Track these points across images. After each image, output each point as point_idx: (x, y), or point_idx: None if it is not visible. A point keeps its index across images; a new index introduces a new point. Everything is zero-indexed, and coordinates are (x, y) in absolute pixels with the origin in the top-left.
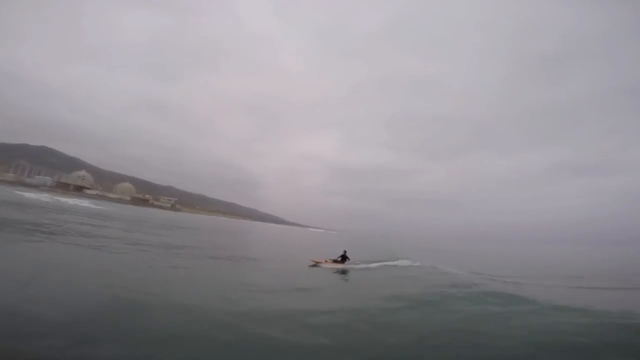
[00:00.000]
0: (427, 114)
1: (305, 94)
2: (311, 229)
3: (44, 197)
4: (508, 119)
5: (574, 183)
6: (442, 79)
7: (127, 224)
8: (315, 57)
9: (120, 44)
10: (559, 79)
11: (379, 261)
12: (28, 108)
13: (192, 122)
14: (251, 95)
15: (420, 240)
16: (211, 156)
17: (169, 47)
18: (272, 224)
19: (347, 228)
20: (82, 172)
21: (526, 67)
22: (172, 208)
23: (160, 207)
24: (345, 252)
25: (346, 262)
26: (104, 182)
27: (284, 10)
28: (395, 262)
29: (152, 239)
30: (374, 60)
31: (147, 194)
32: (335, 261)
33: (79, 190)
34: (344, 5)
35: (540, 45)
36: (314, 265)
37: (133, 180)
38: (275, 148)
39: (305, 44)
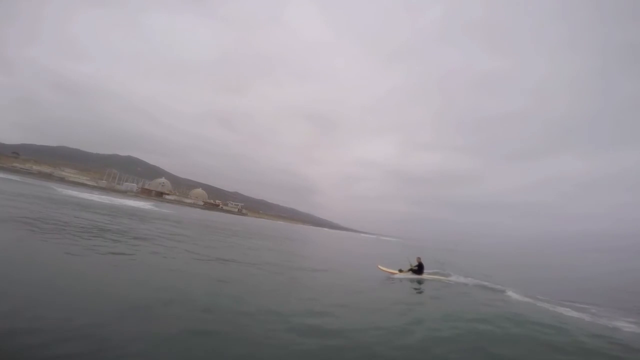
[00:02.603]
0: (497, 113)
1: (360, 98)
2: (363, 235)
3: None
4: (594, 116)
5: None
6: (516, 75)
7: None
8: (368, 60)
9: (190, 60)
10: None
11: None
12: (117, 121)
13: (255, 131)
14: (308, 103)
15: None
16: (272, 163)
17: (233, 62)
18: (329, 230)
19: (404, 235)
20: (162, 179)
21: (615, 59)
22: (239, 212)
23: (229, 211)
24: (419, 259)
25: (423, 273)
26: (180, 188)
27: (333, 17)
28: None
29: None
30: (433, 59)
31: (216, 199)
32: (412, 270)
33: (159, 195)
34: (396, 6)
35: (634, 34)
36: (389, 277)
37: (204, 187)
38: (332, 154)
39: (359, 48)
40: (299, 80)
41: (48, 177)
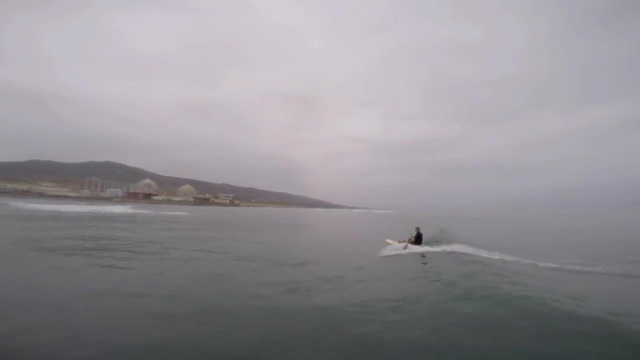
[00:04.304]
0: (473, 79)
1: (338, 74)
2: (355, 210)
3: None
4: (566, 77)
5: None
6: (487, 43)
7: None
8: (343, 35)
9: (156, 53)
10: (617, 33)
11: None
12: (88, 127)
13: (234, 119)
14: (286, 85)
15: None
16: (257, 150)
17: (202, 51)
18: (321, 209)
19: (396, 205)
20: (147, 180)
21: (578, 23)
22: (231, 204)
23: (221, 204)
24: (418, 229)
25: (423, 242)
26: (166, 186)
27: None
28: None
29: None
30: (409, 30)
31: (205, 193)
32: (412, 241)
33: (147, 197)
34: None
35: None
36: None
37: (190, 182)
38: (315, 133)
39: (331, 23)
40: (273, 63)
41: (26, 194)
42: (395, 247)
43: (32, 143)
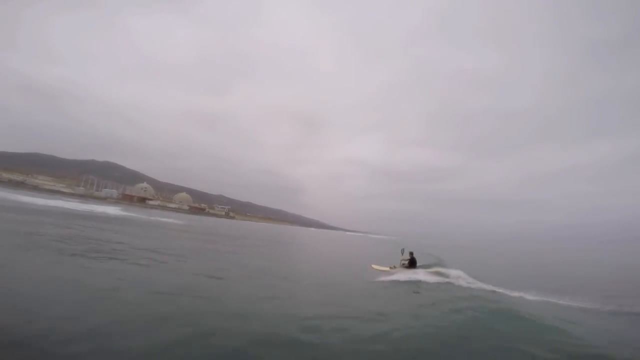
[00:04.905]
0: (483, 109)
1: (345, 97)
2: (349, 233)
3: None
4: (573, 110)
5: None
6: (497, 72)
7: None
8: (356, 57)
9: (167, 61)
10: (628, 65)
11: None
12: (93, 125)
13: (238, 132)
14: (292, 103)
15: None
16: (257, 165)
17: (211, 62)
18: (317, 229)
19: (392, 232)
20: (144, 184)
21: (589, 55)
22: (226, 216)
23: (216, 215)
24: (412, 254)
25: (417, 267)
26: (163, 192)
27: (317, 16)
28: None
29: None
30: (418, 57)
31: (201, 202)
32: (404, 266)
33: (142, 201)
34: (380, 4)
35: (603, 31)
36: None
37: (187, 191)
38: (317, 153)
39: (346, 44)
40: (283, 80)
41: (20, 185)
42: (386, 272)
43: (36, 136)
